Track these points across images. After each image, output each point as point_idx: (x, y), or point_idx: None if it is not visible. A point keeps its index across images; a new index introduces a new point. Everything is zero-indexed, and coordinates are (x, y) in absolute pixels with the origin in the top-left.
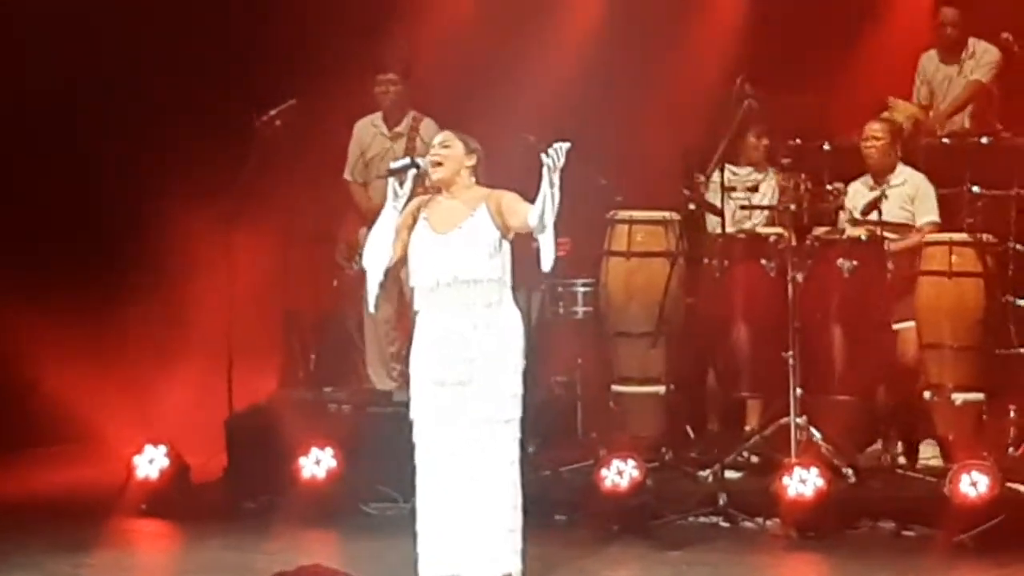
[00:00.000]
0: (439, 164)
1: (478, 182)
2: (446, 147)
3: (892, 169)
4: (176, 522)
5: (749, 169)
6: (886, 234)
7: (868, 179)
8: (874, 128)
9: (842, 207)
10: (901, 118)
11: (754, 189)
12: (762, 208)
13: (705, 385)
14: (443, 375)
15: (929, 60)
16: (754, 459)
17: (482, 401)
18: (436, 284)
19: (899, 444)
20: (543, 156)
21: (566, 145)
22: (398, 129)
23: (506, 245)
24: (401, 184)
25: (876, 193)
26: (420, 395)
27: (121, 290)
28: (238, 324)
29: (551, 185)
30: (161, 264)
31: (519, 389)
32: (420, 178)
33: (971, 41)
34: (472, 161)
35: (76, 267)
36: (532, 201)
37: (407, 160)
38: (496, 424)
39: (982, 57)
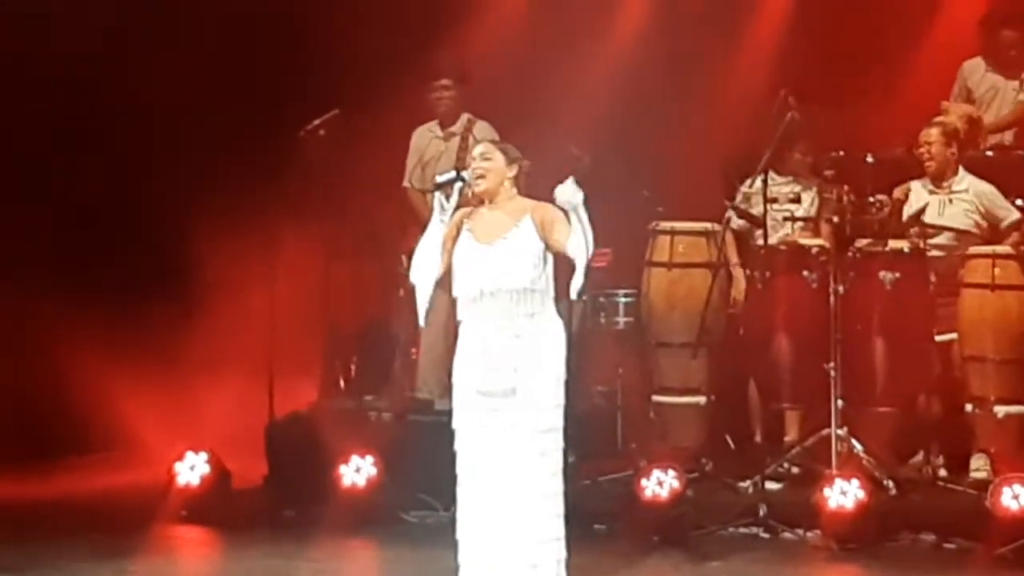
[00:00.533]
0: (481, 176)
1: (520, 192)
2: (487, 159)
3: (954, 172)
4: (217, 529)
5: (790, 178)
6: (941, 241)
7: (928, 182)
8: (928, 133)
9: (884, 219)
10: (954, 118)
11: (796, 200)
12: (803, 220)
13: (746, 396)
14: (486, 385)
15: (974, 68)
16: (795, 470)
17: (525, 411)
18: (480, 294)
19: (940, 457)
20: (558, 202)
21: (570, 182)
22: (452, 129)
23: (549, 256)
24: (448, 197)
25: (939, 197)
26: (463, 404)
27: (165, 299)
28: (281, 334)
29: (579, 221)
30: (206, 274)
31: (561, 399)
32: (465, 189)
33: None
34: (514, 172)
35: (122, 276)
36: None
37: (452, 173)
38: (538, 434)
39: None
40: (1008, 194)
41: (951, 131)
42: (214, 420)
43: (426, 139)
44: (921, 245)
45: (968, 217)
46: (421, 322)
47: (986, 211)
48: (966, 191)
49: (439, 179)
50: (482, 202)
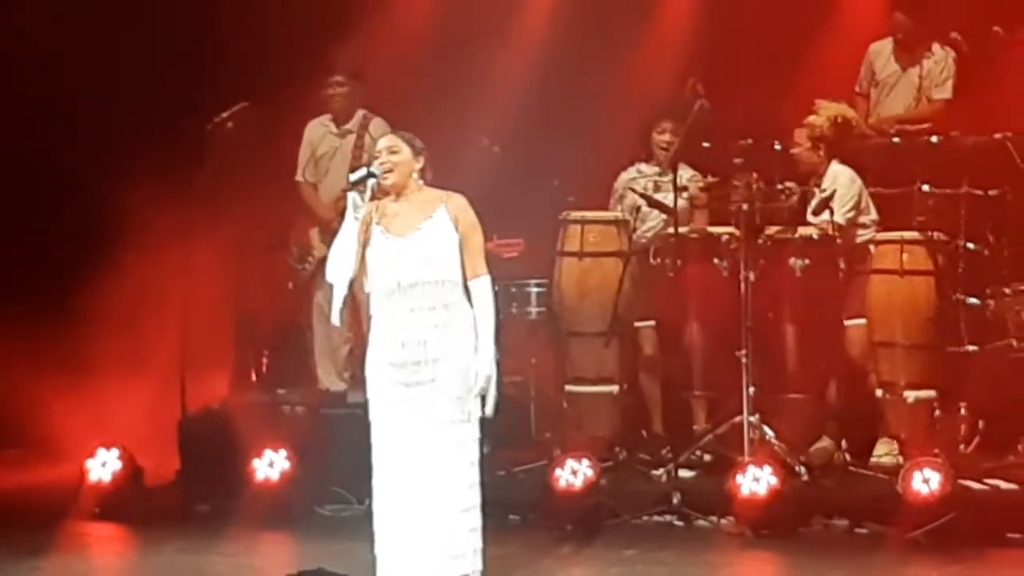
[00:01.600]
0: (390, 170)
1: (426, 183)
2: (394, 153)
3: (823, 171)
4: (130, 525)
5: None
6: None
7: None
8: (796, 134)
9: (793, 206)
10: (821, 120)
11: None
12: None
13: (650, 385)
14: (404, 377)
15: (880, 50)
16: (708, 458)
17: (441, 401)
18: (397, 286)
19: (843, 441)
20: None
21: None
22: (347, 126)
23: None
24: (361, 195)
25: (825, 194)
26: (379, 397)
27: (77, 294)
28: (193, 328)
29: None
30: (115, 269)
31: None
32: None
33: (935, 47)
34: (420, 163)
35: (33, 272)
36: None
37: (364, 171)
38: (455, 424)
39: (942, 72)
40: (914, 179)
41: (817, 135)
42: (126, 416)
43: (319, 133)
44: (830, 231)
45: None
46: (335, 321)
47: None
48: (829, 184)
49: (352, 177)
50: (389, 195)
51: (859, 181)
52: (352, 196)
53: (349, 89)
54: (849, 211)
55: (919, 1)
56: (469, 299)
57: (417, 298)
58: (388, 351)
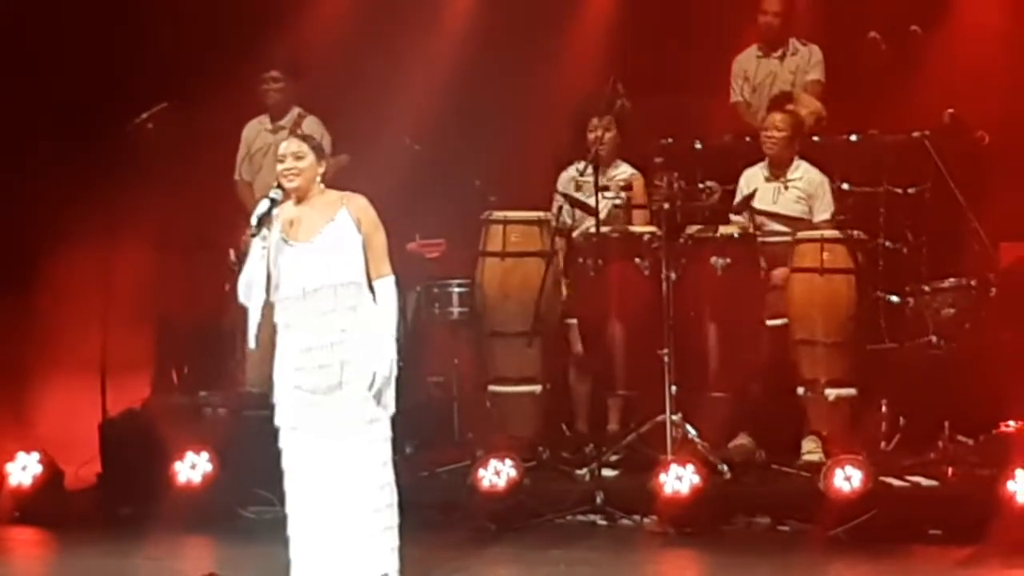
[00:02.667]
0: (295, 175)
1: (329, 186)
2: (300, 159)
3: (790, 162)
4: (50, 529)
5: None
6: (778, 227)
7: (765, 168)
8: (776, 120)
9: (714, 205)
10: (804, 112)
11: (627, 188)
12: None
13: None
14: (314, 382)
15: (746, 59)
16: (630, 457)
17: (351, 403)
18: (302, 293)
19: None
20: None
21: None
22: (281, 123)
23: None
24: (269, 227)
25: (774, 185)
26: (287, 402)
27: None
28: (113, 330)
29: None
30: (36, 270)
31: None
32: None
33: (792, 42)
34: (323, 167)
35: None
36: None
37: (266, 203)
38: (365, 424)
39: (811, 57)
40: (832, 178)
41: (799, 122)
42: (46, 419)
43: (255, 131)
44: (751, 230)
45: (798, 204)
46: (251, 345)
47: (808, 199)
48: (800, 179)
49: (258, 211)
50: (289, 199)
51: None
52: (258, 232)
53: (284, 85)
54: (831, 206)
55: (781, 4)
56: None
57: (322, 302)
58: (294, 357)
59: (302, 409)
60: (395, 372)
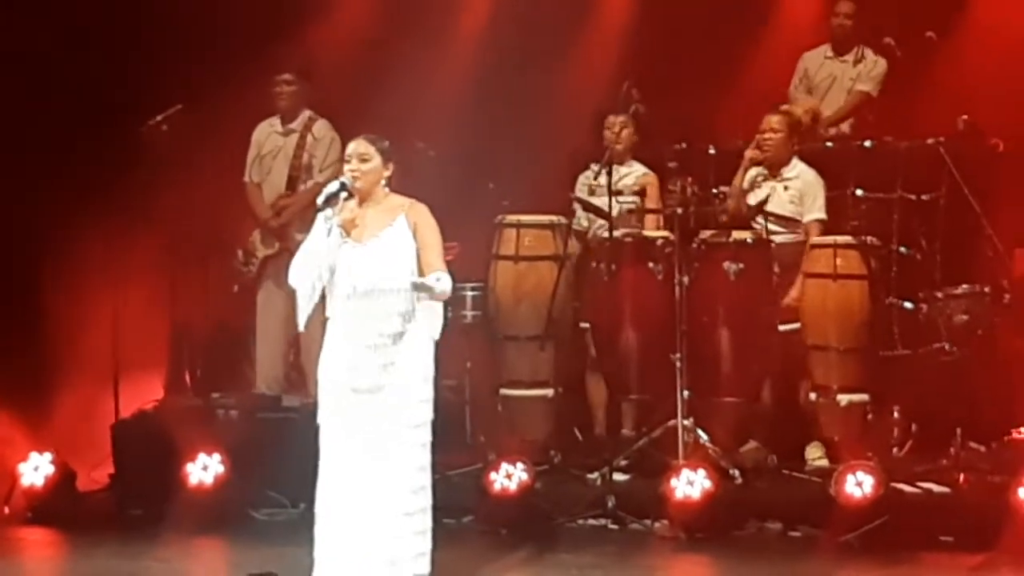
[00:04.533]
0: (358, 177)
1: (391, 188)
2: (365, 160)
3: (787, 162)
4: (63, 530)
5: (633, 170)
6: (771, 226)
7: (763, 169)
8: (772, 120)
9: (727, 210)
10: (799, 111)
11: (640, 192)
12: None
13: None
14: (356, 381)
15: (813, 58)
16: (642, 461)
17: (391, 407)
18: (353, 292)
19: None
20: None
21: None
22: (291, 126)
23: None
24: (333, 208)
25: (771, 184)
26: (330, 401)
27: (8, 298)
28: (126, 331)
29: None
30: (50, 272)
31: (428, 394)
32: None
33: (863, 48)
34: (389, 171)
35: None
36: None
37: (336, 185)
38: (406, 429)
39: (873, 68)
40: (847, 184)
41: (794, 121)
42: (59, 420)
43: (265, 133)
44: (764, 235)
45: (792, 204)
46: (301, 327)
47: (800, 199)
48: (796, 179)
49: (327, 191)
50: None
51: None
52: (325, 211)
53: (297, 88)
54: (823, 208)
55: (853, 7)
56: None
57: (371, 304)
58: (341, 356)
59: (342, 406)
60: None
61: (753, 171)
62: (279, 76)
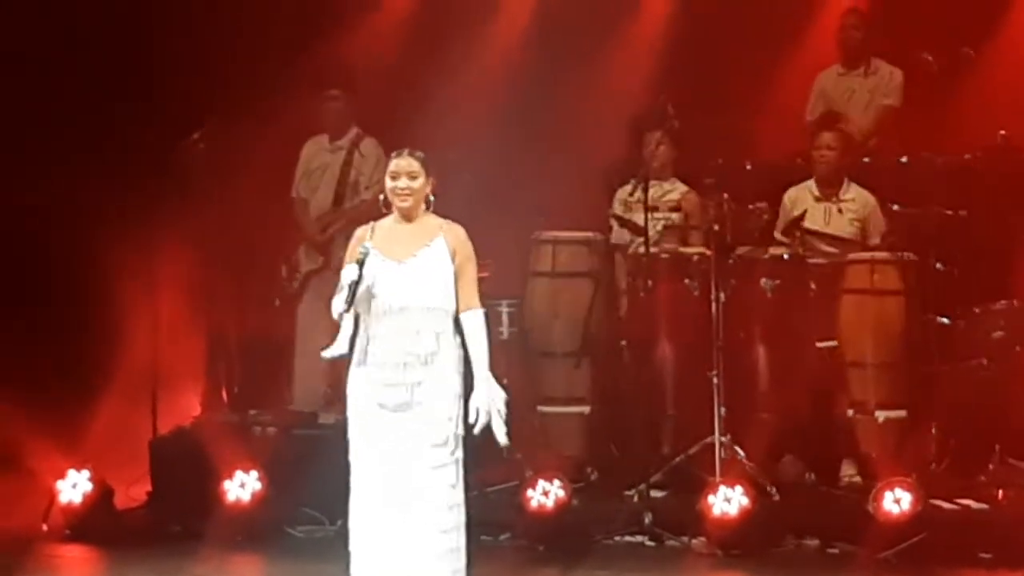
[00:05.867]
0: (408, 195)
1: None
2: (415, 179)
3: (841, 182)
4: (100, 547)
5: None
6: (829, 248)
7: (812, 187)
8: (827, 137)
9: (763, 226)
10: (854, 128)
11: (676, 208)
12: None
13: (631, 404)
14: (386, 398)
15: (827, 76)
16: (679, 478)
17: (422, 424)
18: (389, 309)
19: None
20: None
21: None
22: (339, 143)
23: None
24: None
25: (825, 206)
26: (359, 417)
27: (46, 314)
28: (164, 348)
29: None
30: (87, 288)
31: (457, 412)
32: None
33: (874, 60)
34: (431, 187)
35: None
36: None
37: (355, 268)
38: (435, 447)
39: (891, 81)
40: (884, 199)
41: (850, 140)
42: (97, 436)
43: (313, 150)
44: (801, 252)
45: (852, 226)
46: (343, 349)
47: (863, 221)
48: (853, 200)
49: (349, 280)
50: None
51: None
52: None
53: (343, 104)
54: (882, 230)
55: (889, 22)
56: (457, 329)
57: (406, 322)
58: (373, 372)
59: (373, 423)
60: (504, 398)
61: (793, 191)
62: (326, 92)
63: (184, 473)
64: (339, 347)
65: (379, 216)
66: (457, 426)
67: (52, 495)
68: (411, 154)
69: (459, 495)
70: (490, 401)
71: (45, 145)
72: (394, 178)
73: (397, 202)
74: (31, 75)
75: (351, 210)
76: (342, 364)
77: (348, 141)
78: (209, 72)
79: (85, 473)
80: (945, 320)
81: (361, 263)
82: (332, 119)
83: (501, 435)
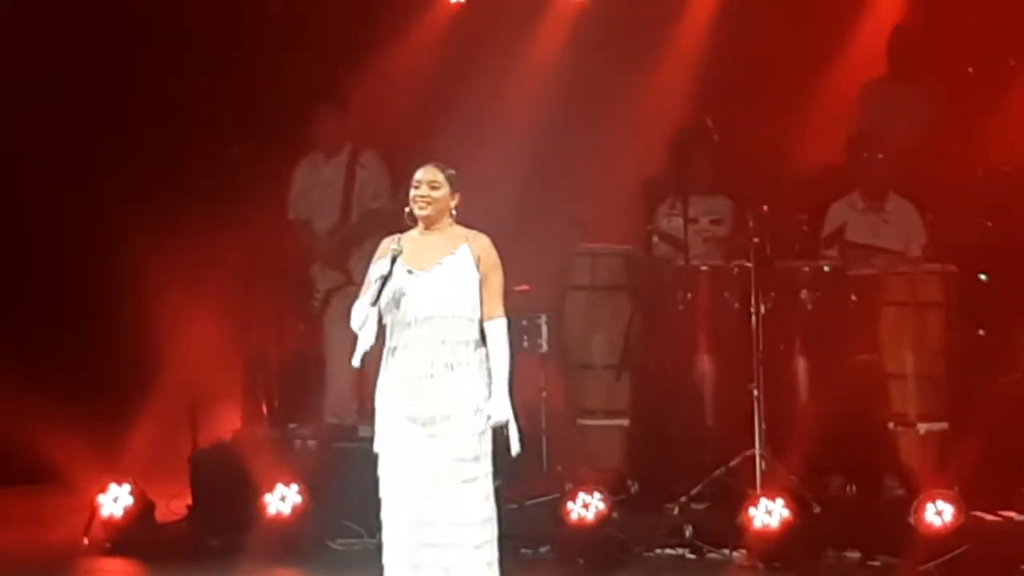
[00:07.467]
0: (428, 204)
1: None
2: (436, 188)
3: (886, 193)
4: (141, 560)
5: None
6: (875, 259)
7: (856, 200)
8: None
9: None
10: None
11: (717, 222)
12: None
13: (670, 417)
14: (414, 411)
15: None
16: (719, 491)
17: (450, 437)
18: (414, 320)
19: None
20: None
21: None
22: (336, 159)
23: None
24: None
25: (871, 218)
26: (387, 429)
27: (87, 329)
28: (203, 363)
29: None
30: (128, 303)
31: (484, 426)
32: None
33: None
34: (455, 201)
35: (42, 307)
36: None
37: (388, 261)
38: (465, 461)
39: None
40: (924, 211)
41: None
42: (138, 450)
43: (306, 171)
44: (842, 263)
45: (898, 237)
46: (355, 363)
47: (907, 232)
48: (897, 211)
49: (381, 272)
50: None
51: None
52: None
53: (337, 119)
54: (923, 241)
55: (931, 34)
56: (484, 339)
57: (431, 331)
58: (399, 383)
59: (401, 436)
60: (511, 417)
61: (837, 204)
62: (316, 107)
63: (224, 487)
64: (364, 344)
65: (392, 225)
66: (484, 440)
67: (93, 509)
68: (436, 166)
69: (492, 508)
70: (497, 414)
71: (89, 165)
72: (416, 187)
73: (416, 209)
74: (68, 95)
75: (359, 223)
76: (371, 380)
77: (346, 155)
78: (245, 89)
79: (126, 487)
80: (983, 332)
81: (394, 259)
82: (327, 135)
83: (515, 444)
